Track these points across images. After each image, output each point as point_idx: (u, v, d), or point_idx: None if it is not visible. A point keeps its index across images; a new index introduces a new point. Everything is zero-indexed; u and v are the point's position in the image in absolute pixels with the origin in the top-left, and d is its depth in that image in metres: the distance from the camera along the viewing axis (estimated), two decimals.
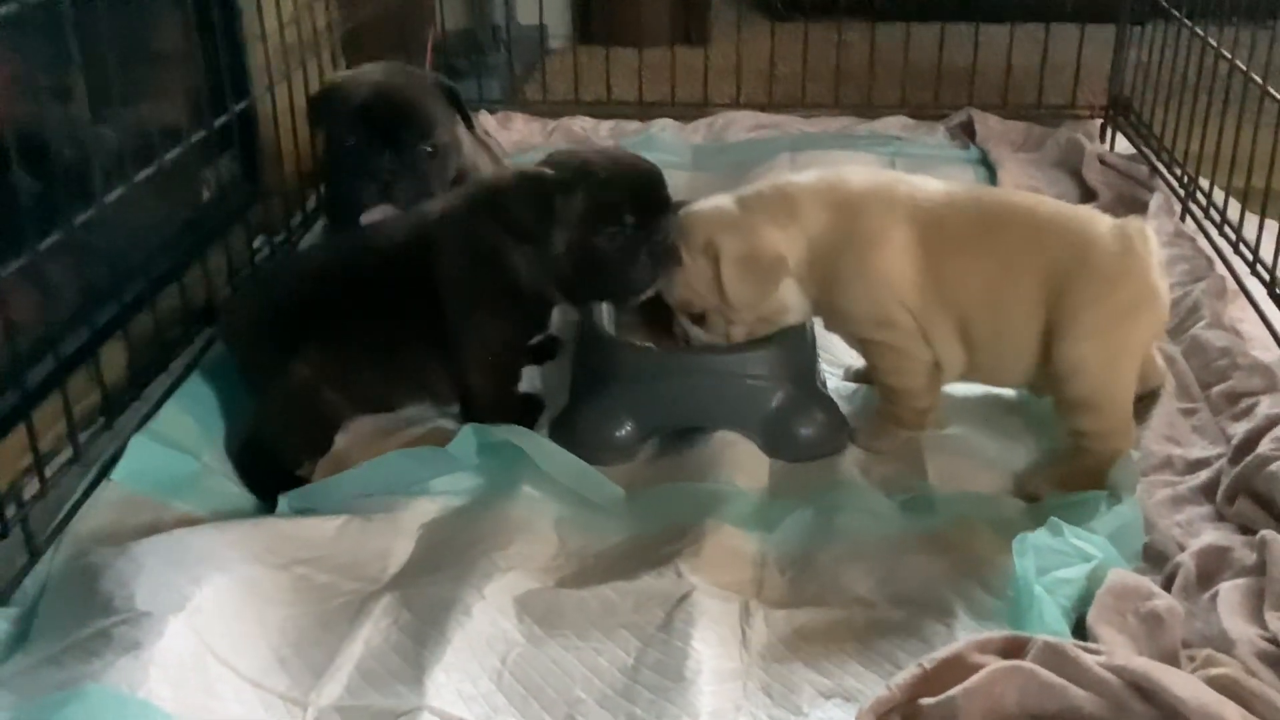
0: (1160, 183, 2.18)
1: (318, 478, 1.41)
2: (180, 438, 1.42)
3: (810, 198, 1.44)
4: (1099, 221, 1.40)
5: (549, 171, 1.40)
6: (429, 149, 1.63)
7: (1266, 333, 1.62)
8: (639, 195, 1.41)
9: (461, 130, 1.76)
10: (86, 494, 1.32)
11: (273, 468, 1.41)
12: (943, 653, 1.03)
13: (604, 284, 1.43)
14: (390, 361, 1.45)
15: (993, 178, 2.29)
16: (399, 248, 1.46)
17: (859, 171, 1.49)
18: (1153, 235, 1.39)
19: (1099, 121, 2.60)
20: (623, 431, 1.46)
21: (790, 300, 1.46)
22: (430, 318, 1.44)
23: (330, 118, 1.66)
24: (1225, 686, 0.98)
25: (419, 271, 1.44)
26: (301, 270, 1.52)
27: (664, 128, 2.58)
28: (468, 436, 1.39)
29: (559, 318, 1.74)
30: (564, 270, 1.42)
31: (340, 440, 1.50)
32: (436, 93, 1.69)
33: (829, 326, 1.52)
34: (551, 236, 1.40)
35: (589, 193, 1.39)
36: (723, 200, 1.47)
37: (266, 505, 1.37)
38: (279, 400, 1.43)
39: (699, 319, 1.48)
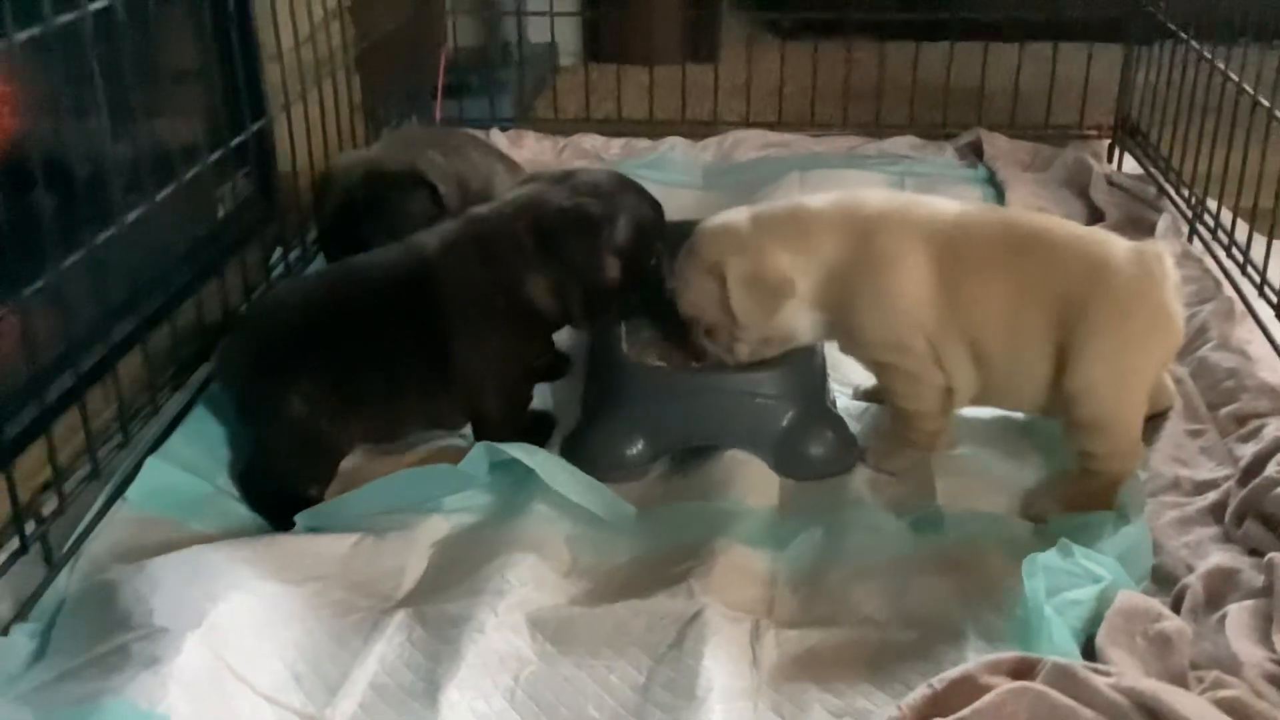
0: (1168, 203, 2.19)
1: (330, 496, 1.43)
2: (194, 461, 1.44)
3: (825, 221, 1.44)
4: (1116, 245, 1.40)
5: (593, 203, 1.46)
6: None
7: (1274, 354, 1.63)
8: (661, 225, 1.53)
9: (480, 157, 1.85)
10: (103, 511, 1.34)
11: (278, 495, 1.41)
12: (953, 673, 1.04)
13: (629, 309, 1.52)
14: (391, 392, 1.44)
15: (1001, 197, 2.29)
16: (396, 279, 1.46)
17: (875, 194, 1.49)
18: (1170, 260, 1.39)
19: (1106, 142, 2.61)
20: (634, 450, 1.47)
21: (799, 325, 1.47)
22: (431, 347, 1.44)
23: (320, 203, 1.79)
24: (1233, 708, 0.99)
25: (419, 302, 1.44)
26: (293, 306, 1.49)
27: (674, 146, 2.59)
28: (479, 454, 1.40)
29: (569, 336, 1.76)
30: (600, 297, 1.48)
31: (352, 458, 1.51)
32: (413, 190, 1.72)
33: (843, 350, 1.52)
34: (602, 266, 1.47)
35: (632, 224, 1.48)
36: (736, 217, 1.48)
37: (280, 526, 1.38)
38: (277, 435, 1.42)
39: (706, 332, 1.49)
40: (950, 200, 1.50)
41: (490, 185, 1.81)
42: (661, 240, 1.53)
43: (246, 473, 1.44)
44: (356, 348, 1.43)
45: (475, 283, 1.45)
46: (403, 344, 1.44)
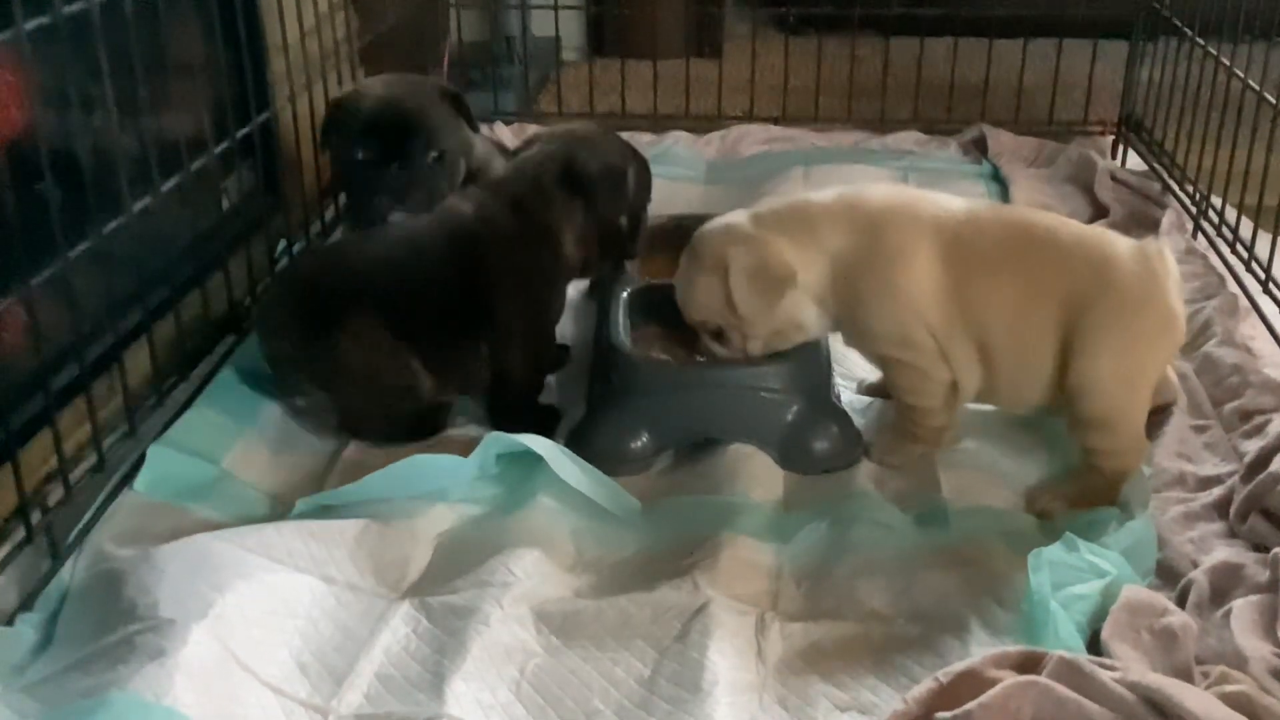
0: (1172, 200, 2.19)
1: (332, 485, 1.42)
2: (198, 444, 1.44)
3: (830, 214, 1.44)
4: (1119, 243, 1.40)
5: (617, 160, 1.63)
6: (435, 156, 1.67)
7: (1278, 350, 1.63)
8: (650, 180, 1.72)
9: (479, 140, 1.80)
10: (108, 501, 1.34)
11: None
12: (959, 667, 1.04)
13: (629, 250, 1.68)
14: (431, 351, 1.49)
15: (1005, 193, 2.30)
16: (438, 242, 1.51)
17: (880, 189, 1.50)
18: (1171, 257, 1.39)
19: (1111, 138, 2.61)
20: (639, 443, 1.48)
21: (806, 318, 1.47)
22: (468, 307, 1.49)
23: (338, 134, 1.71)
24: (1239, 703, 0.99)
25: (459, 264, 1.50)
26: (341, 263, 1.55)
27: (677, 141, 2.59)
28: (488, 445, 1.40)
29: (570, 330, 1.76)
30: (609, 246, 1.62)
31: (355, 447, 1.52)
32: (440, 99, 1.73)
33: (849, 343, 1.52)
34: (620, 216, 1.63)
35: (638, 173, 1.65)
36: (736, 216, 1.48)
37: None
38: (352, 390, 1.49)
39: (717, 335, 1.49)
40: (955, 197, 1.49)
41: (488, 167, 1.81)
42: (649, 195, 1.72)
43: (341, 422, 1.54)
44: (404, 306, 1.47)
45: (517, 235, 1.52)
46: (444, 304, 1.49)
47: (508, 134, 2.59)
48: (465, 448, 1.42)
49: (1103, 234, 1.45)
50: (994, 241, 1.42)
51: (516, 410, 1.56)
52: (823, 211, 1.45)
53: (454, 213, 1.55)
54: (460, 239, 1.51)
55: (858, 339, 1.50)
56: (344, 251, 1.62)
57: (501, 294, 1.50)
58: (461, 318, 1.50)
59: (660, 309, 1.61)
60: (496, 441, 1.40)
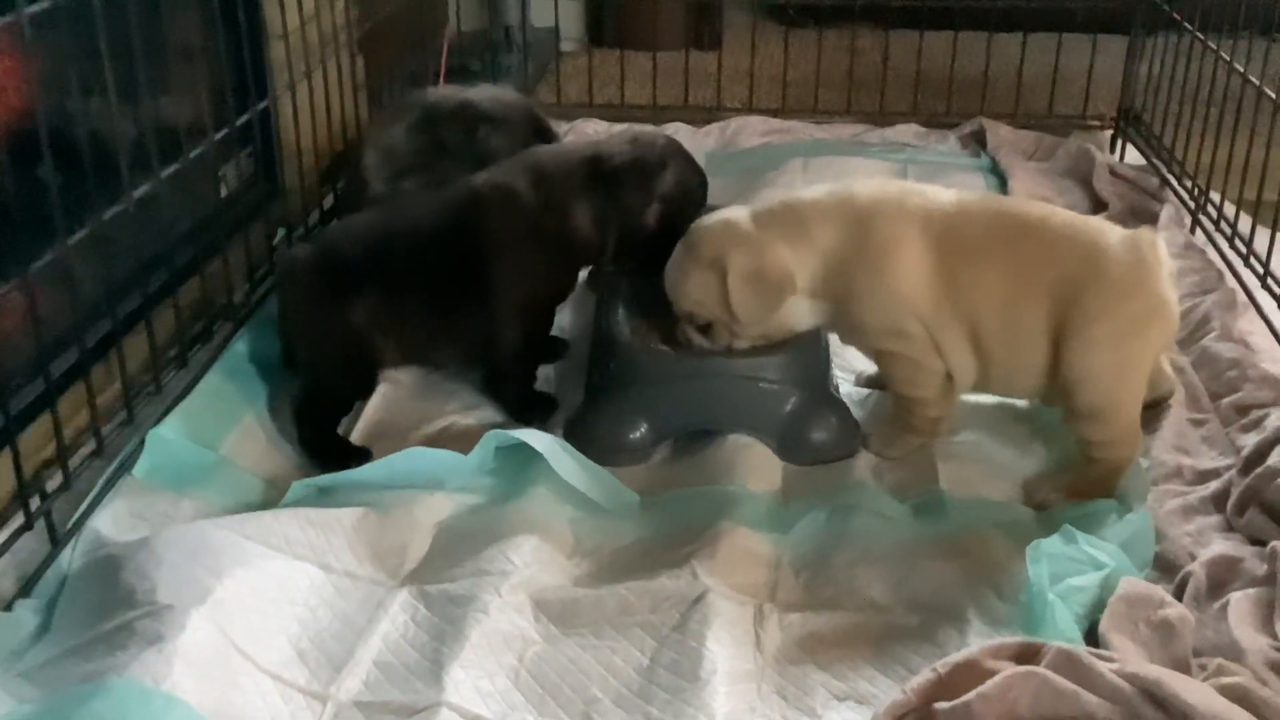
0: (1170, 194, 2.19)
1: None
2: (197, 431, 1.44)
3: (821, 213, 1.45)
4: (1110, 232, 1.41)
5: (651, 153, 1.60)
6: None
7: (1276, 345, 1.63)
8: (704, 194, 1.66)
9: None
10: (107, 487, 1.34)
11: (326, 435, 1.50)
12: (957, 657, 1.04)
13: (656, 261, 1.55)
14: (440, 318, 1.54)
15: (1003, 186, 2.30)
16: (456, 213, 1.54)
17: (868, 184, 1.50)
18: (1163, 246, 1.40)
19: (1109, 132, 2.61)
20: (637, 433, 1.48)
21: (797, 318, 1.47)
22: (478, 279, 1.52)
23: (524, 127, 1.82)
24: (1237, 695, 0.99)
25: (472, 234, 1.53)
26: (363, 230, 1.59)
27: (676, 132, 2.58)
28: (486, 442, 1.40)
29: (569, 320, 1.76)
30: (636, 241, 1.57)
31: (359, 433, 1.53)
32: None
33: (844, 340, 1.53)
34: (646, 210, 1.58)
35: (679, 181, 1.60)
36: (734, 214, 1.48)
37: (318, 463, 1.46)
38: (333, 340, 1.52)
39: (704, 329, 1.49)
40: (945, 189, 1.50)
41: None
42: (700, 208, 1.61)
43: (301, 401, 1.52)
44: (418, 272, 1.52)
45: (523, 204, 1.54)
46: (457, 273, 1.52)
47: None
48: (468, 439, 1.42)
49: (1093, 223, 1.45)
50: (983, 231, 1.42)
51: (511, 389, 1.58)
52: (813, 208, 1.45)
53: (472, 180, 1.58)
54: (472, 203, 1.54)
55: (851, 333, 1.50)
56: (366, 222, 1.64)
57: (501, 259, 1.52)
58: (464, 280, 1.52)
59: (658, 300, 1.61)
60: (496, 438, 1.40)
